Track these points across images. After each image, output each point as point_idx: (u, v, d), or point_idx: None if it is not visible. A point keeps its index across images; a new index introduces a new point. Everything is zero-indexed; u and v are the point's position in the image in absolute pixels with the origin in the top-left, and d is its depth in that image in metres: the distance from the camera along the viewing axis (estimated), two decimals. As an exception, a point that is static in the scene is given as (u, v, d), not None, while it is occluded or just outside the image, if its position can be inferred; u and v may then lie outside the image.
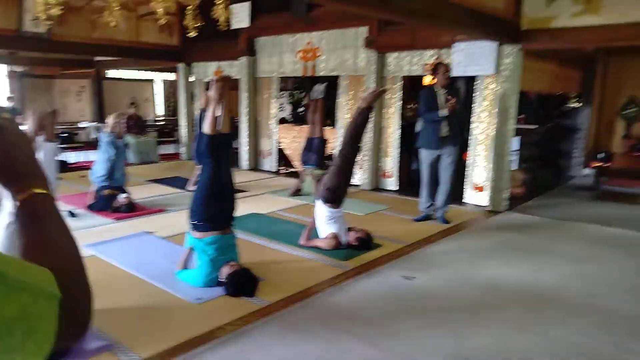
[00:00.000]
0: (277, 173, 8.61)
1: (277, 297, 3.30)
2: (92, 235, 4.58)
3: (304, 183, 6.69)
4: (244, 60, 8.53)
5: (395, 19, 5.70)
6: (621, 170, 7.34)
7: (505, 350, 2.77)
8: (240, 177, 6.61)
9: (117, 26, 6.33)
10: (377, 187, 7.21)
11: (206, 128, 3.44)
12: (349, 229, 4.37)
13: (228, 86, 3.63)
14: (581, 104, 8.37)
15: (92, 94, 12.91)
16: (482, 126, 6.06)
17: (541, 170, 7.74)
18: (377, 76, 6.84)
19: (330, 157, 6.50)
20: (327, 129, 7.19)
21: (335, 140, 7.38)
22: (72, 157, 9.47)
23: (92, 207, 5.56)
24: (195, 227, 3.48)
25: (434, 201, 5.38)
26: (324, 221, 4.31)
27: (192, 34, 6.10)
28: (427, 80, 6.85)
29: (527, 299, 3.48)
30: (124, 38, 8.69)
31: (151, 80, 14.33)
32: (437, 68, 5.26)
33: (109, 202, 5.50)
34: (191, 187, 6.07)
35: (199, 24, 6.06)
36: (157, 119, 14.21)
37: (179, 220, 4.72)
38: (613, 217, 5.79)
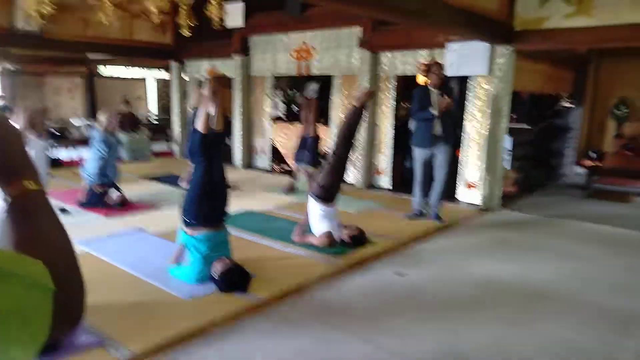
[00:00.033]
0: (271, 171, 8.61)
1: (270, 293, 3.30)
2: (84, 232, 4.56)
3: (298, 181, 6.69)
4: (237, 59, 8.53)
5: (390, 19, 5.72)
6: (612, 169, 7.43)
7: (498, 345, 2.79)
8: (233, 174, 6.60)
9: (110, 24, 6.30)
10: (370, 185, 7.23)
11: (199, 126, 3.44)
12: (342, 226, 4.38)
13: (222, 85, 3.62)
14: (573, 104, 8.44)
15: (84, 91, 12.84)
16: (476, 125, 6.10)
17: (534, 169, 7.80)
18: (371, 76, 6.86)
19: (324, 155, 6.52)
20: (321, 127, 7.20)
21: (328, 139, 7.40)
22: (64, 154, 9.42)
23: (83, 204, 5.54)
24: (188, 224, 3.48)
25: (427, 199, 5.41)
26: (317, 218, 4.32)
27: (186, 32, 6.08)
28: (421, 79, 6.87)
29: (519, 295, 3.52)
30: (117, 36, 8.65)
31: (144, 79, 14.27)
32: (431, 68, 5.29)
33: (100, 198, 5.51)
34: (183, 184, 6.06)
35: (193, 23, 6.05)
36: (149, 116, 14.15)
37: (171, 217, 4.70)
38: (604, 215, 5.85)
